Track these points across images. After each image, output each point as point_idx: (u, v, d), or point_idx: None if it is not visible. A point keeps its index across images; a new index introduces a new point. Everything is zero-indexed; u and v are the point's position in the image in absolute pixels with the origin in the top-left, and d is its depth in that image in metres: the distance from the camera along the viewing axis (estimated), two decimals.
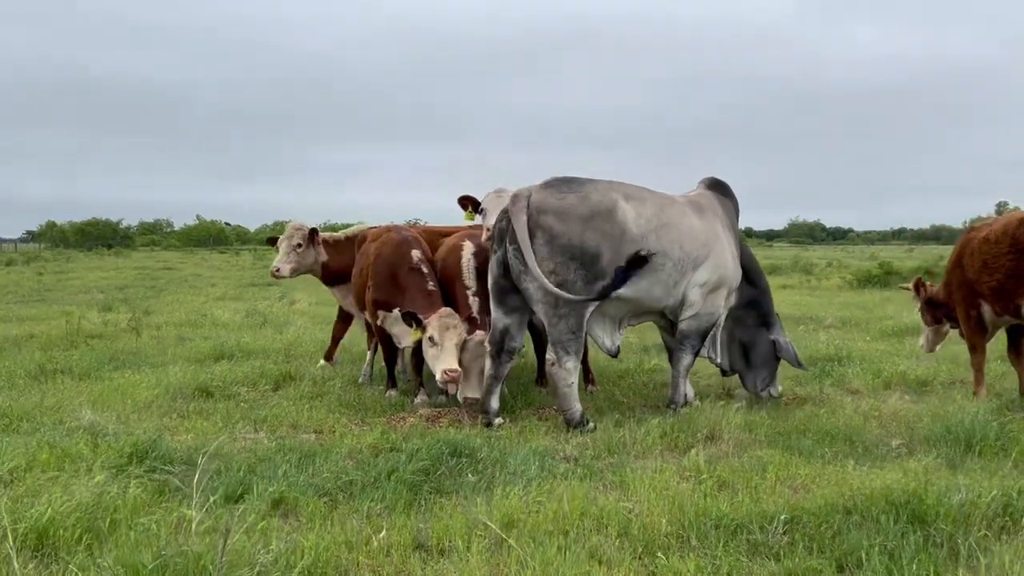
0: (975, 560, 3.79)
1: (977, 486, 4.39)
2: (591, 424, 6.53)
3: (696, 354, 7.26)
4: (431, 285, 7.60)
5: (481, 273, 7.64)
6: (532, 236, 6.41)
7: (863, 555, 3.81)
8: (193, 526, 3.79)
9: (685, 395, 7.23)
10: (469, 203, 7.70)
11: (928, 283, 8.54)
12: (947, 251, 56.72)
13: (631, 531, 4.19)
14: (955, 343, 10.41)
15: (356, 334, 12.08)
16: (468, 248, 7.85)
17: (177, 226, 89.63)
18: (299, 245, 9.32)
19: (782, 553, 3.95)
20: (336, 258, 9.47)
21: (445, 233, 9.12)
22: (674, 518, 4.34)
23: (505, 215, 6.64)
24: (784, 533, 4.13)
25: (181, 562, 3.41)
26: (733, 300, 7.38)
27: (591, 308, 6.59)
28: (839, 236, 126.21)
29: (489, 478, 5.14)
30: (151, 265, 37.71)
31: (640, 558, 3.94)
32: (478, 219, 7.69)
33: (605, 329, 6.90)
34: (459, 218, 8.31)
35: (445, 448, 5.50)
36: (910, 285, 8.78)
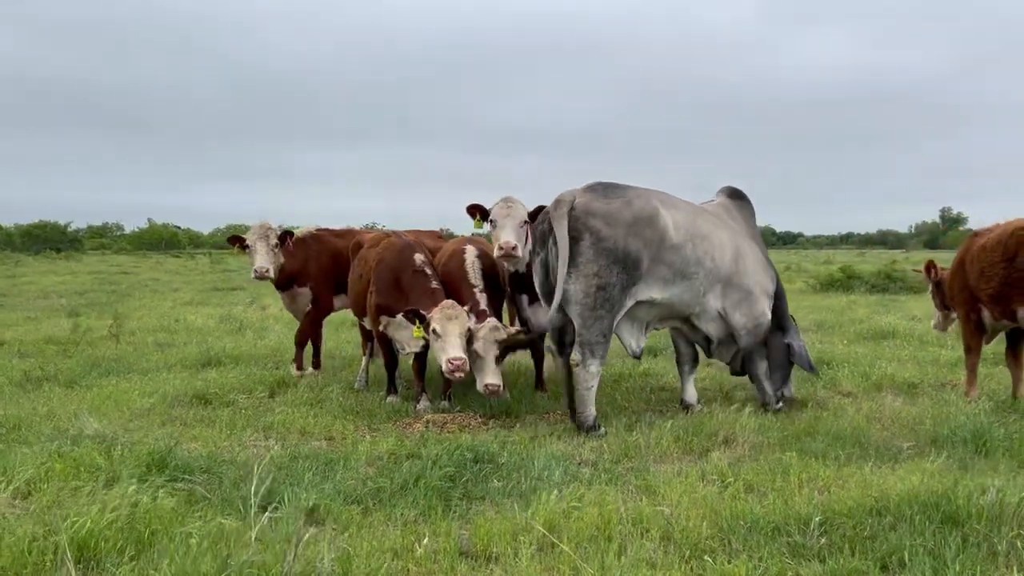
0: (1012, 559, 3.90)
1: (1005, 487, 4.49)
2: (603, 429, 6.58)
3: (764, 358, 7.48)
4: (434, 284, 7.62)
5: (485, 274, 7.73)
6: (579, 239, 6.51)
7: (905, 555, 3.90)
8: (253, 535, 3.74)
9: (781, 393, 7.52)
10: (477, 212, 7.70)
11: (940, 266, 8.73)
12: (896, 255, 57.51)
13: (674, 535, 4.23)
14: (935, 346, 10.68)
15: (338, 340, 12.05)
16: (471, 251, 7.95)
17: (128, 230, 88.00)
18: (276, 245, 9.06)
19: (825, 554, 4.02)
20: (290, 261, 9.27)
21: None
22: (712, 522, 4.39)
23: (547, 218, 6.71)
24: (821, 535, 4.20)
25: (251, 572, 3.38)
26: (771, 303, 7.51)
27: (623, 312, 6.68)
28: (789, 240, 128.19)
29: (515, 484, 5.15)
30: (106, 270, 36.92)
31: (688, 562, 3.97)
32: (486, 227, 7.70)
33: (632, 332, 7.03)
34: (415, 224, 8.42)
35: (467, 454, 5.51)
36: (922, 268, 9.00)
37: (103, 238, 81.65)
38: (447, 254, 8.21)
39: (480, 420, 7.10)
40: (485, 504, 4.88)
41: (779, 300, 7.69)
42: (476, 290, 7.67)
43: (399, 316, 7.59)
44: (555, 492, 4.74)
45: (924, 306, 17.03)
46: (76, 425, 6.53)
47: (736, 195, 7.88)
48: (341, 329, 13.51)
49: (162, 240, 76.89)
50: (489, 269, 7.86)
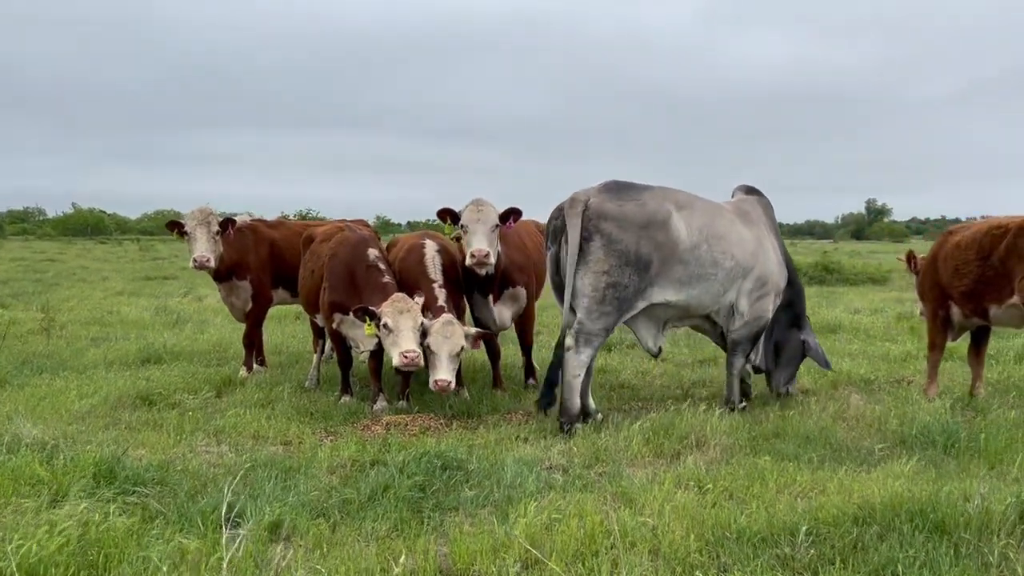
0: (1005, 570, 3.84)
1: (989, 493, 4.44)
2: (577, 426, 6.48)
3: (747, 356, 7.41)
4: (386, 278, 7.36)
5: (445, 270, 7.52)
6: (590, 239, 6.50)
7: (899, 568, 3.80)
8: (225, 561, 3.46)
9: (744, 393, 7.50)
10: (448, 216, 7.48)
11: (921, 255, 8.74)
12: (826, 245, 58.66)
13: (662, 549, 4.08)
14: (883, 340, 10.77)
15: (283, 334, 11.68)
16: (431, 246, 7.72)
17: (50, 214, 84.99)
18: (218, 232, 8.48)
19: (816, 567, 3.90)
20: (230, 251, 8.75)
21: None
22: (697, 534, 4.24)
23: (560, 214, 6.66)
24: (810, 546, 4.09)
25: None
26: (779, 302, 7.47)
27: (632, 314, 6.69)
28: None
29: (488, 492, 4.94)
30: (30, 256, 35.49)
31: None
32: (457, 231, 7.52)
33: (649, 330, 7.03)
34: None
35: (436, 461, 5.28)
36: (903, 257, 9.01)
37: (25, 223, 78.73)
38: (405, 248, 7.94)
39: (442, 422, 6.88)
40: (459, 515, 4.66)
41: (797, 297, 7.69)
42: (435, 285, 7.41)
43: (351, 314, 7.34)
44: (533, 503, 4.53)
45: (864, 298, 17.32)
46: (10, 430, 6.11)
47: (754, 192, 7.79)
48: (285, 323, 13.13)
49: (87, 225, 74.45)
50: (448, 265, 7.63)
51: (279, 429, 6.53)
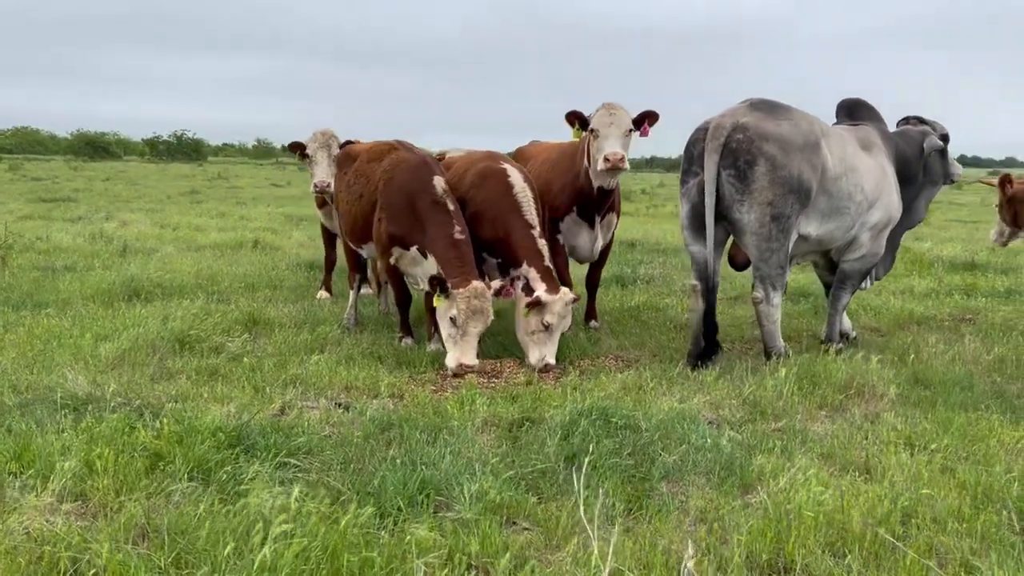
0: None
1: None
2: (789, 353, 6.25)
3: (854, 292, 6.96)
4: (458, 233, 6.20)
5: (538, 208, 6.60)
6: (753, 163, 5.83)
7: None
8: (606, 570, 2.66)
9: (841, 333, 6.96)
10: (576, 119, 6.64)
11: (1018, 179, 8.27)
12: None
13: (977, 527, 3.52)
14: (894, 276, 10.55)
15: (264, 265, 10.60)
16: (517, 176, 6.62)
17: None
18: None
19: None
20: None
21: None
22: (981, 506, 3.72)
23: (721, 135, 5.87)
24: None
25: None
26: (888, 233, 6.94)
27: (792, 243, 6.12)
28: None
29: (689, 459, 4.22)
30: None
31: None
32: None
33: None
34: None
35: (615, 420, 4.56)
36: (994, 181, 8.50)
37: None
38: (476, 174, 6.76)
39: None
40: (684, 487, 4.00)
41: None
42: (534, 234, 6.38)
43: (413, 249, 6.43)
44: (784, 475, 3.91)
45: None
46: (53, 383, 5.04)
47: (866, 112, 7.04)
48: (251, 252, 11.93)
49: None
50: (536, 199, 6.64)
51: (370, 379, 5.62)
